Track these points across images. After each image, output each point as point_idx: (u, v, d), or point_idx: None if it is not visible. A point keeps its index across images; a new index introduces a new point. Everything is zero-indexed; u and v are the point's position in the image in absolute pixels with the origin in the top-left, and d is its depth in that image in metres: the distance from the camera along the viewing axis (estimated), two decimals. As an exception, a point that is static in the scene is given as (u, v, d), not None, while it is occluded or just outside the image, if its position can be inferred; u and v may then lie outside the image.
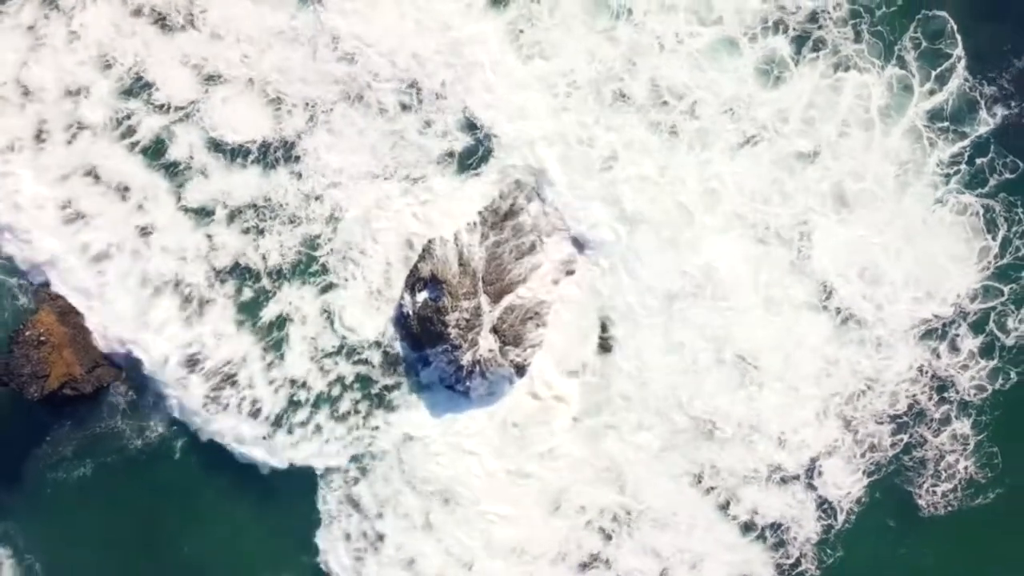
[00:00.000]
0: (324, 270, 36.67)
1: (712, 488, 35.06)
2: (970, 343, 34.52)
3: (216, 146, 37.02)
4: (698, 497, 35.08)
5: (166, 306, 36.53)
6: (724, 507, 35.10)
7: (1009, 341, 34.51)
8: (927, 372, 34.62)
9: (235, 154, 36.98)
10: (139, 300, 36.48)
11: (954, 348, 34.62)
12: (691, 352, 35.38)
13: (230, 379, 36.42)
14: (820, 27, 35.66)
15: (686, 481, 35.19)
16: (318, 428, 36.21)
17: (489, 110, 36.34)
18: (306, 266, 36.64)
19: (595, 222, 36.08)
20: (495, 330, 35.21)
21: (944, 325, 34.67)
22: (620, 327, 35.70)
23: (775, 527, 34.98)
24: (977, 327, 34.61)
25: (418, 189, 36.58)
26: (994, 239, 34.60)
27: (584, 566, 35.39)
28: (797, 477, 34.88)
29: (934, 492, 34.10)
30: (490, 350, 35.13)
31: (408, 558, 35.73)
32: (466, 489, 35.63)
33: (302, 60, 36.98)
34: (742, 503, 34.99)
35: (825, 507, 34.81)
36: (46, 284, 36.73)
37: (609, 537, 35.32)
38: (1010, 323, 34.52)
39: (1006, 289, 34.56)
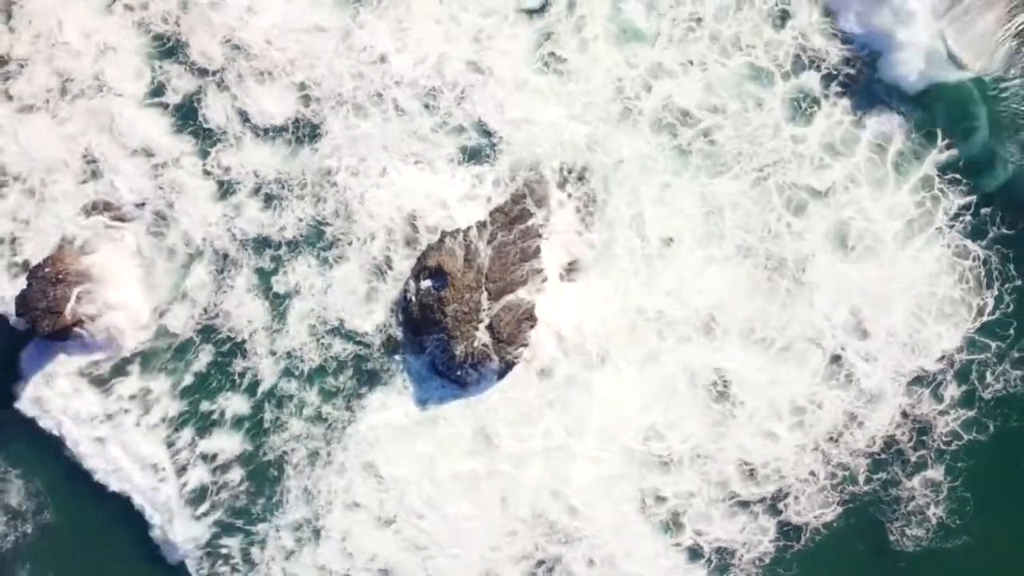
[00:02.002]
0: (331, 246, 37.99)
1: (669, 513, 35.20)
2: (952, 391, 34.61)
3: (242, 118, 38.95)
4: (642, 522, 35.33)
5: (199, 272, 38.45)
6: (668, 528, 35.20)
7: (986, 395, 34.49)
8: (909, 416, 34.76)
9: (257, 129, 38.81)
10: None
11: (936, 396, 34.73)
12: (671, 376, 35.85)
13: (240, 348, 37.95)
14: (851, 66, 36.84)
15: (633, 507, 35.44)
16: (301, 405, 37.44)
17: (504, 118, 37.78)
18: (315, 242, 38.04)
19: (596, 234, 37.13)
20: (491, 326, 36.15)
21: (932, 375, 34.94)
22: (612, 339, 36.34)
23: (722, 551, 35.01)
24: (961, 376, 34.71)
25: (431, 181, 37.90)
26: (989, 293, 34.88)
27: (541, 563, 35.71)
28: (762, 500, 34.83)
29: (904, 533, 34.04)
30: (484, 344, 36.09)
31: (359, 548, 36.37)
32: (429, 481, 36.22)
33: (331, 52, 38.95)
34: (693, 525, 35.02)
35: (786, 529, 34.68)
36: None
37: (565, 541, 35.63)
38: (988, 376, 34.55)
39: (993, 345, 34.71)
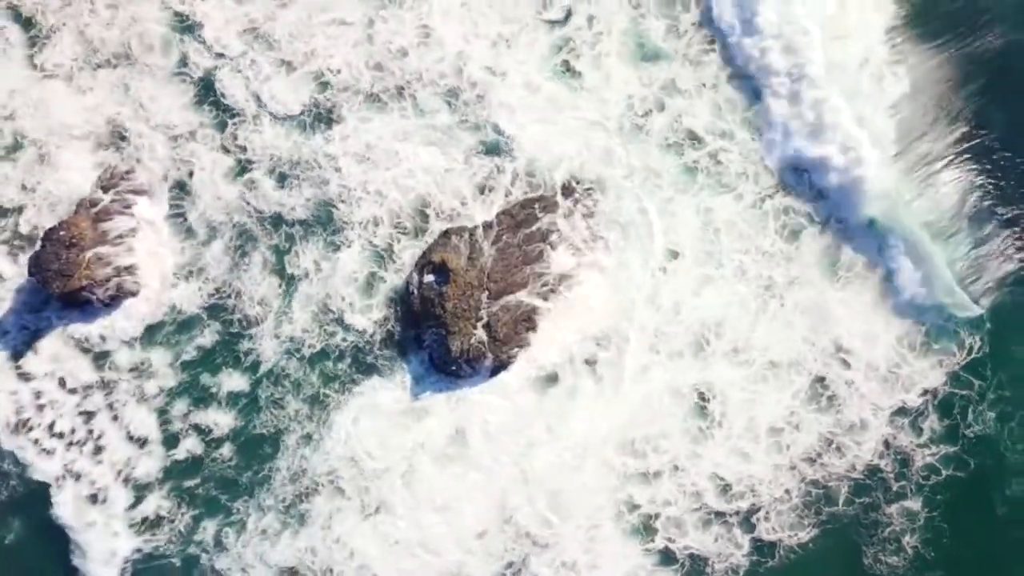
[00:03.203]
0: (339, 231, 38.95)
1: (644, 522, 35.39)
2: (933, 424, 34.72)
3: (258, 100, 40.36)
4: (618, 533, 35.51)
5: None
6: (640, 532, 35.32)
7: (969, 433, 34.50)
8: (892, 445, 34.91)
9: (273, 112, 40.14)
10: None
11: (917, 428, 34.85)
12: (659, 391, 36.25)
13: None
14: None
15: (608, 514, 35.63)
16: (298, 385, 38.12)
17: (516, 122, 38.88)
18: (325, 225, 39.05)
19: (600, 244, 37.94)
20: (488, 325, 36.80)
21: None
22: (605, 350, 36.86)
23: (695, 558, 35.03)
24: (943, 411, 34.81)
25: (444, 165, 39.00)
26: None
27: (510, 564, 35.86)
28: (737, 513, 34.96)
29: (879, 559, 34.07)
30: (480, 342, 36.74)
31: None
32: (406, 474, 36.60)
33: (352, 45, 40.44)
34: (666, 532, 35.12)
35: (761, 545, 34.72)
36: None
37: (536, 544, 35.83)
38: (970, 415, 34.64)
39: (976, 383, 34.76)
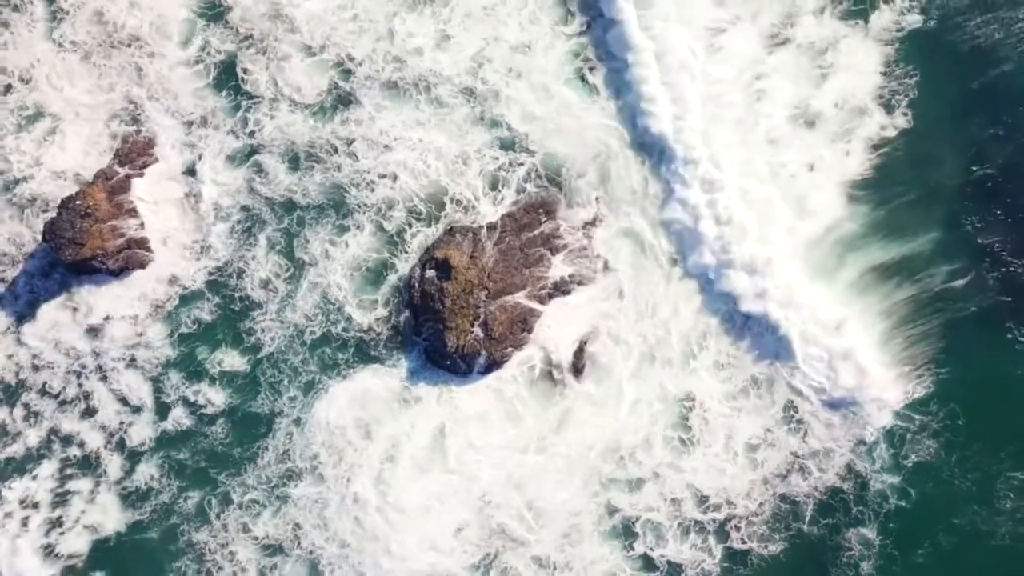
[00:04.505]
0: (350, 214, 39.78)
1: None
2: (883, 454, 34.92)
3: (277, 85, 41.25)
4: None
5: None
6: (619, 535, 35.86)
7: (908, 463, 34.67)
8: (854, 471, 35.08)
9: (291, 97, 41.00)
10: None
11: (871, 457, 34.99)
12: (646, 402, 36.74)
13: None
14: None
15: (589, 519, 36.16)
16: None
17: (528, 128, 39.40)
18: (336, 210, 39.84)
19: (603, 251, 38.51)
20: (485, 323, 37.43)
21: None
22: (603, 355, 37.32)
23: (672, 564, 35.53)
24: (892, 441, 34.99)
25: (456, 165, 39.62)
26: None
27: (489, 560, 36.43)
28: (713, 521, 35.34)
29: (843, 578, 34.77)
30: (476, 339, 37.43)
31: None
32: (388, 463, 37.33)
33: (374, 37, 41.31)
34: (645, 537, 35.65)
35: (733, 554, 35.20)
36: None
37: (514, 542, 36.39)
38: (910, 444, 34.77)
39: (916, 419, 34.87)
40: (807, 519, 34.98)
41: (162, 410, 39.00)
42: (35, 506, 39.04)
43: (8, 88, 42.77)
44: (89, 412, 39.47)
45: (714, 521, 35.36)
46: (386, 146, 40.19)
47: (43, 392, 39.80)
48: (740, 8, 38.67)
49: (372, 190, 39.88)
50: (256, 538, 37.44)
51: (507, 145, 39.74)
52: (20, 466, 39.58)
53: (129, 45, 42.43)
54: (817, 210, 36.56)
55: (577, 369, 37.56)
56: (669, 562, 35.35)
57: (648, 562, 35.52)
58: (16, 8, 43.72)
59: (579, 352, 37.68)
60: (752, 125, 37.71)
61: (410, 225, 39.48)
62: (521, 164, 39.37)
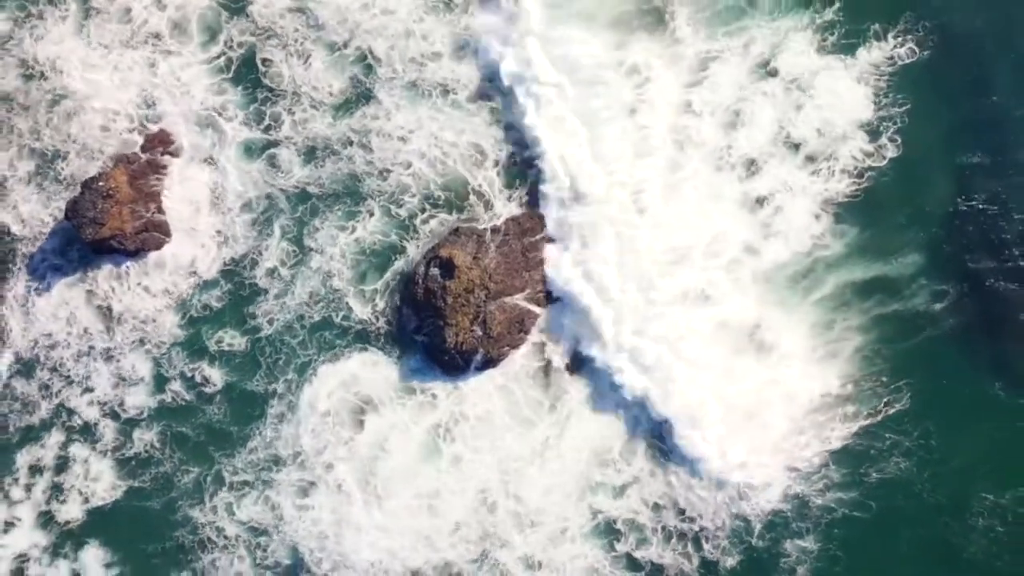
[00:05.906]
0: (360, 202, 40.71)
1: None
2: (832, 474, 35.71)
3: (296, 79, 41.90)
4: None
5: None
6: (603, 535, 36.66)
7: (870, 480, 35.42)
8: (793, 492, 35.85)
9: (310, 91, 41.64)
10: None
11: (816, 478, 35.74)
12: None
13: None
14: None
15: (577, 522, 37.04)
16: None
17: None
18: (349, 200, 40.76)
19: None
20: (484, 322, 38.20)
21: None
22: (591, 359, 38.02)
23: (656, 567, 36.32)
24: (843, 462, 35.73)
25: (472, 157, 40.50)
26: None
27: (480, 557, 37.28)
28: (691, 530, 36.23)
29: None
30: (475, 337, 38.23)
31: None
32: (379, 456, 38.29)
33: (395, 36, 41.93)
34: (630, 540, 36.52)
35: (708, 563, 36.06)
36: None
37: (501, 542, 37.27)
38: (871, 463, 35.52)
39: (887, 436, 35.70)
40: (756, 533, 35.80)
41: (161, 384, 40.18)
42: (40, 472, 40.35)
43: (41, 75, 43.57)
44: (90, 389, 40.71)
45: (691, 530, 36.25)
46: (402, 138, 40.76)
47: (54, 369, 40.94)
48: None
49: (385, 178, 40.52)
50: (241, 522, 38.59)
51: (525, 143, 40.27)
52: (36, 434, 40.91)
53: (155, 37, 43.01)
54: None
55: (568, 370, 38.59)
56: (652, 563, 36.25)
57: (634, 563, 36.45)
58: (51, 1, 44.43)
59: (571, 353, 38.69)
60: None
61: (423, 210, 40.06)
62: (540, 161, 39.74)
